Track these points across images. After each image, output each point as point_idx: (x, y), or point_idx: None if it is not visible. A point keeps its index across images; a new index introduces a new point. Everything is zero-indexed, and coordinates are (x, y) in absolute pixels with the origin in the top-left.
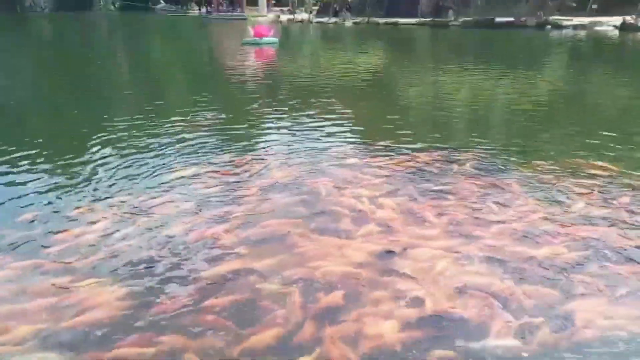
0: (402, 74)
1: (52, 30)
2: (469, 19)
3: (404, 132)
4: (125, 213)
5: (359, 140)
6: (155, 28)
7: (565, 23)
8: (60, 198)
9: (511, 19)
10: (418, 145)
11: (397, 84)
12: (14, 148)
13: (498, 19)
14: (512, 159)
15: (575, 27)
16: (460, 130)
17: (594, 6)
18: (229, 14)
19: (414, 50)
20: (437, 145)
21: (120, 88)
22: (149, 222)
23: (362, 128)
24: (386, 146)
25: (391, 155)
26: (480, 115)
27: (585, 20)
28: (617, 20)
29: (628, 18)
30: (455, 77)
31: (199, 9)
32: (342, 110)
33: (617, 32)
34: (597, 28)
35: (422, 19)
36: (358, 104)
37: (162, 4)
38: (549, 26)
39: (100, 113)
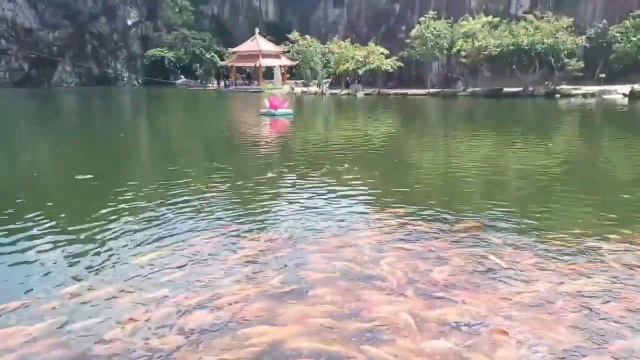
0: (414, 142)
1: (78, 104)
2: (477, 89)
3: (415, 199)
4: (77, 305)
5: (369, 208)
6: (177, 101)
7: (574, 92)
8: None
9: (519, 88)
10: (429, 214)
11: (409, 151)
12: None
13: (506, 89)
14: (525, 229)
15: (584, 95)
16: (472, 198)
17: (602, 75)
18: (246, 87)
19: (424, 118)
20: (448, 213)
21: (137, 158)
22: (103, 316)
23: (373, 196)
24: (396, 213)
25: (401, 223)
26: (492, 183)
27: (593, 89)
28: (626, 88)
29: (636, 86)
30: (467, 145)
31: (218, 83)
32: (354, 178)
33: (626, 100)
34: (606, 96)
35: (432, 90)
36: (370, 172)
37: (183, 79)
38: (558, 95)
39: (113, 183)
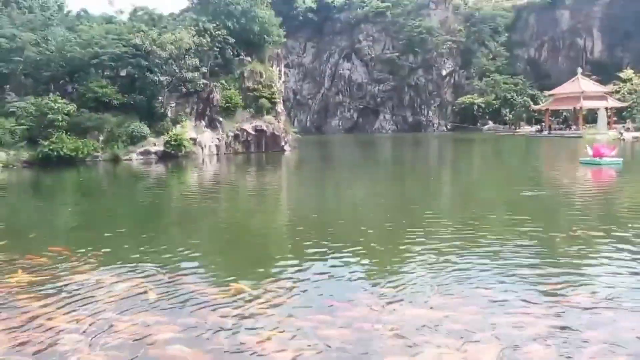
0: None
1: (395, 148)
2: None
3: None
4: None
5: None
6: (484, 147)
7: None
8: None
9: None
10: None
11: None
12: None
13: None
14: None
15: None
16: None
17: None
18: (562, 132)
19: None
20: None
21: (441, 200)
22: None
23: None
24: None
25: None
26: None
27: None
28: None
29: None
30: None
31: (541, 129)
32: None
33: None
34: None
35: None
36: None
37: (490, 124)
38: None
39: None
